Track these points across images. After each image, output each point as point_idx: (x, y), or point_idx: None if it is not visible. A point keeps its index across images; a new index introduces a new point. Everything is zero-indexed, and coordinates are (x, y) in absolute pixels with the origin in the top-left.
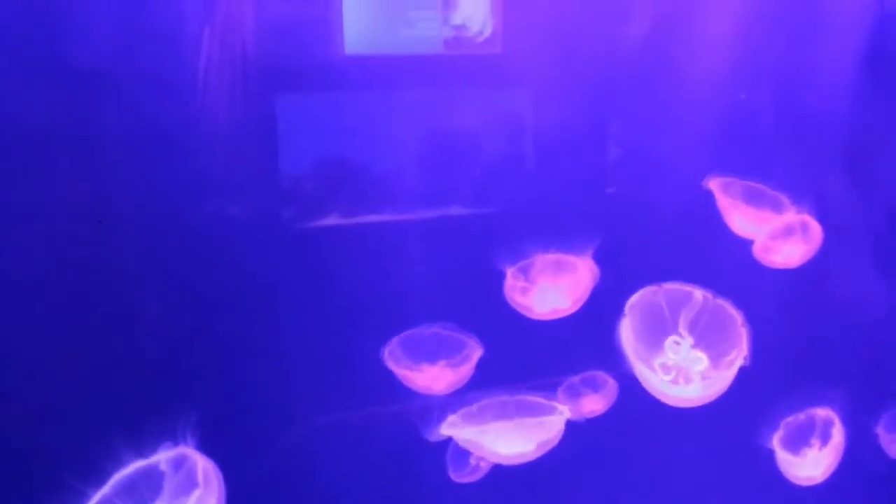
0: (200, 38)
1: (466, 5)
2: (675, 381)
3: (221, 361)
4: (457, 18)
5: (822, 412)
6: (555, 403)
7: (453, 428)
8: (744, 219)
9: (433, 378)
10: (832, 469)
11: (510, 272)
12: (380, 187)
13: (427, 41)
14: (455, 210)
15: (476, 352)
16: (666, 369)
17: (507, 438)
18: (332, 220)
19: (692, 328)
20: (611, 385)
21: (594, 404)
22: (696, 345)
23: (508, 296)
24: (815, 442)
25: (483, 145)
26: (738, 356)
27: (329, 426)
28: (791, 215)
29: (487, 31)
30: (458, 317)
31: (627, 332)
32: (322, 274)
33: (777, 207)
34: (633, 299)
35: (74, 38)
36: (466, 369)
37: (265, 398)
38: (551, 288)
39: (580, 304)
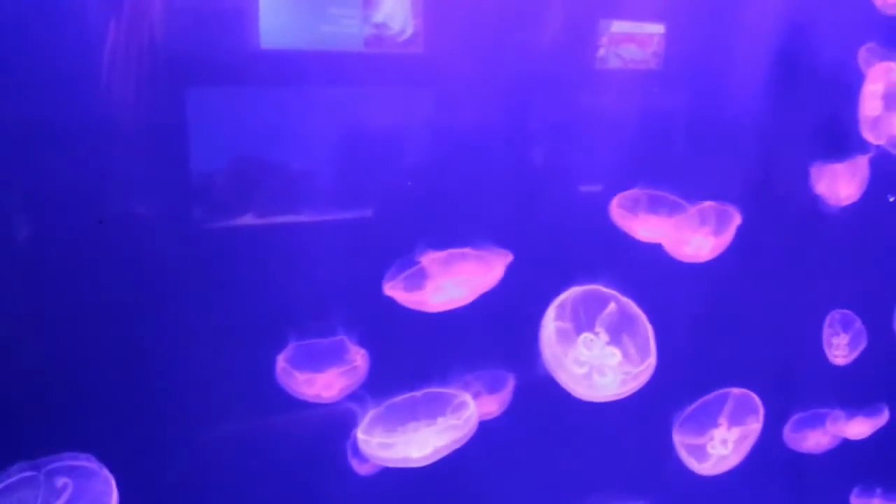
0: (106, 27)
1: (387, 4)
2: (588, 377)
3: (120, 367)
4: (378, 17)
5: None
6: (463, 396)
7: (365, 437)
8: (647, 228)
9: (324, 386)
10: (738, 460)
11: (396, 273)
12: (296, 187)
13: (347, 38)
14: (371, 211)
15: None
16: (579, 365)
17: (419, 441)
18: (246, 220)
19: (606, 326)
20: (508, 384)
21: (489, 405)
22: (610, 342)
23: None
24: (723, 421)
25: (404, 145)
26: (649, 355)
27: (232, 433)
28: (701, 207)
29: (409, 31)
30: (370, 320)
31: (549, 330)
32: (233, 276)
33: (679, 211)
34: (561, 298)
35: None
36: (360, 375)
37: (165, 406)
38: (448, 281)
39: (477, 295)
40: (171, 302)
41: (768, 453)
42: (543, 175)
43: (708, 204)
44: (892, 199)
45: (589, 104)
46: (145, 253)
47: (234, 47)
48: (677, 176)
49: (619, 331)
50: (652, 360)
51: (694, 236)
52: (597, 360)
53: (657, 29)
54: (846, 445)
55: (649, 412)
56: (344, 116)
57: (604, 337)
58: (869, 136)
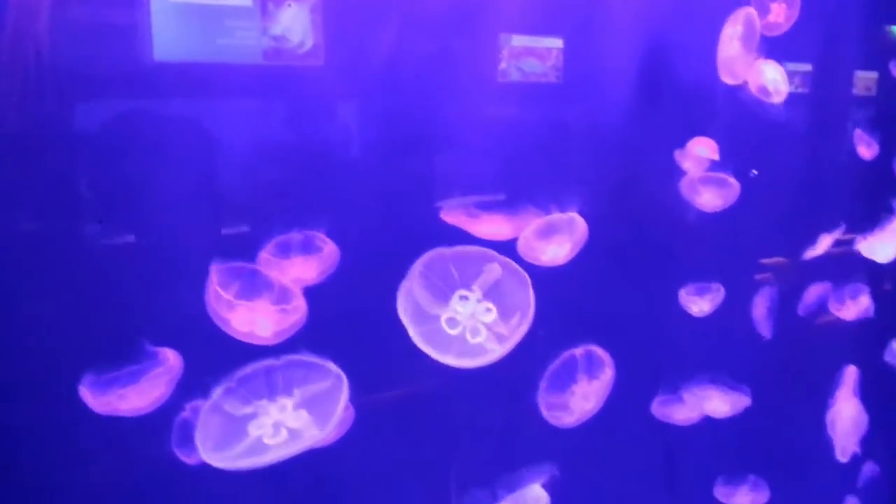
0: None
1: (285, 16)
2: (462, 336)
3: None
4: (276, 29)
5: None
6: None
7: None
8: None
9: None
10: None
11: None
12: (193, 201)
13: (245, 51)
14: (268, 225)
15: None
16: (452, 324)
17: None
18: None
19: (481, 286)
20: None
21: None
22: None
23: (210, 305)
24: (582, 378)
25: (304, 158)
26: (524, 317)
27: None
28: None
29: (309, 44)
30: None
31: (409, 294)
32: (126, 293)
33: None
34: (422, 260)
35: None
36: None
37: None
38: (257, 312)
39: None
40: (59, 320)
41: (638, 426)
42: (438, 189)
43: (558, 212)
44: (754, 174)
45: (487, 115)
46: (34, 272)
47: (126, 59)
48: (550, 182)
49: (493, 290)
50: (525, 322)
51: (549, 245)
52: (471, 319)
53: (556, 43)
54: (713, 426)
55: (516, 390)
56: (242, 128)
57: (477, 293)
58: (727, 78)
